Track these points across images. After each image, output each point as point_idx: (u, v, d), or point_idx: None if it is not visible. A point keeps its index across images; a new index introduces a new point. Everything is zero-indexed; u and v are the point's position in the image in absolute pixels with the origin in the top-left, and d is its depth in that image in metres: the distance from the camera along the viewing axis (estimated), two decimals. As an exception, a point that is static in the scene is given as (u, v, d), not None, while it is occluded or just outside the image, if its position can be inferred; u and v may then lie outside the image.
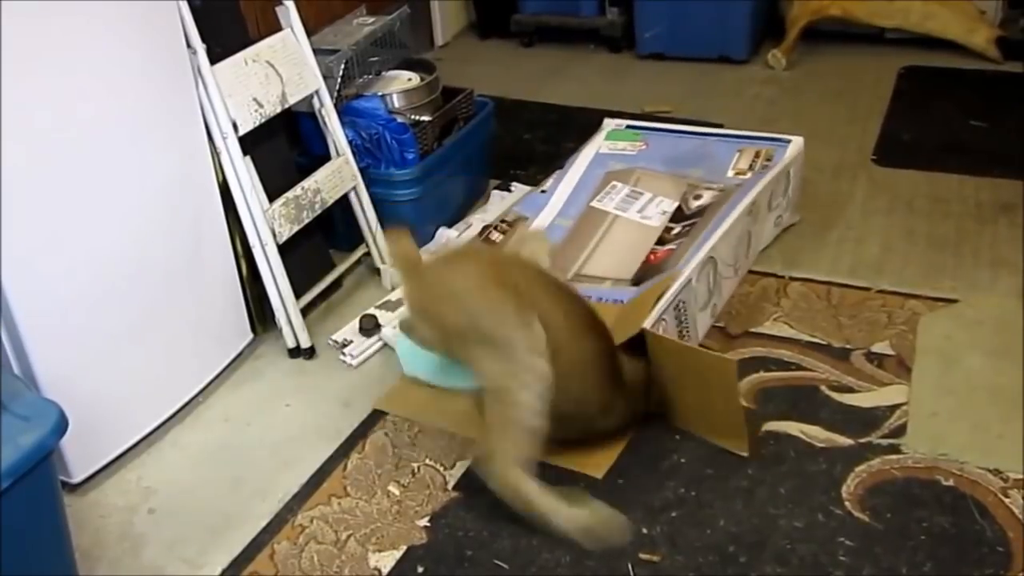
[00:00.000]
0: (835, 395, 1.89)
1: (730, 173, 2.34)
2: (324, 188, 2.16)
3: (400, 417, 1.92)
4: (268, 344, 2.16)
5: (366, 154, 2.30)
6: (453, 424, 1.88)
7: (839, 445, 1.77)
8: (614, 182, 2.37)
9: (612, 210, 2.30)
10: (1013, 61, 3.19)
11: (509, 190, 2.55)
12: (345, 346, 2.07)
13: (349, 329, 2.12)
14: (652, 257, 2.16)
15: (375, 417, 1.93)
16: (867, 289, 2.18)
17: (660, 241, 2.19)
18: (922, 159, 2.70)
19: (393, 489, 1.76)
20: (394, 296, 2.19)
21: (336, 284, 2.29)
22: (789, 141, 2.39)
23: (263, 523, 1.71)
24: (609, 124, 2.58)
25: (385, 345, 2.09)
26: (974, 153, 2.71)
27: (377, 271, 2.31)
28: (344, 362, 2.07)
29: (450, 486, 1.76)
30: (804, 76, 3.27)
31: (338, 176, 2.21)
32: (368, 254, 2.32)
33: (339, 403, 1.98)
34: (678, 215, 2.25)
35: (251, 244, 2.04)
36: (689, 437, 1.81)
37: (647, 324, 1.77)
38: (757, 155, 2.38)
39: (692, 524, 1.64)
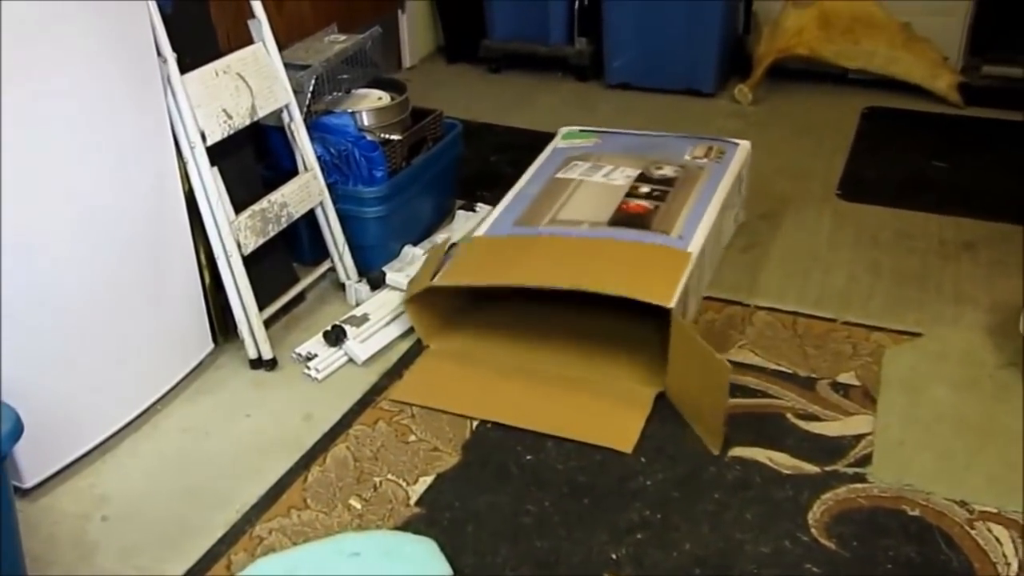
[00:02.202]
0: (801, 423, 1.92)
1: (687, 157, 2.45)
2: (291, 202, 2.15)
3: (418, 406, 1.95)
4: (229, 355, 2.13)
5: (334, 170, 2.30)
6: (472, 408, 1.93)
7: (805, 472, 1.79)
8: (575, 162, 2.45)
9: (577, 177, 2.37)
10: (974, 106, 3.29)
11: (474, 210, 2.57)
12: (310, 359, 2.06)
13: (314, 343, 2.11)
14: (626, 206, 2.22)
15: (337, 430, 1.91)
16: (832, 320, 2.22)
17: (630, 195, 2.28)
18: (886, 195, 2.76)
19: (354, 503, 1.74)
20: (359, 312, 2.19)
21: (299, 298, 2.27)
22: (737, 143, 2.52)
23: (220, 533, 1.68)
24: (564, 129, 2.68)
25: (351, 360, 2.08)
26: (937, 192, 2.78)
27: (342, 286, 2.30)
28: (308, 375, 2.05)
29: (412, 501, 1.74)
30: (769, 112, 3.34)
31: (305, 191, 2.20)
32: (333, 269, 2.31)
33: (300, 415, 1.95)
34: (643, 178, 2.34)
35: (215, 255, 2.02)
36: (656, 460, 1.82)
37: (673, 302, 1.85)
38: (710, 149, 2.50)
39: (658, 546, 1.65)
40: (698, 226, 2.14)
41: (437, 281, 2.05)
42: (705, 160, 2.42)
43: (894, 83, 3.36)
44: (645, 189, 2.29)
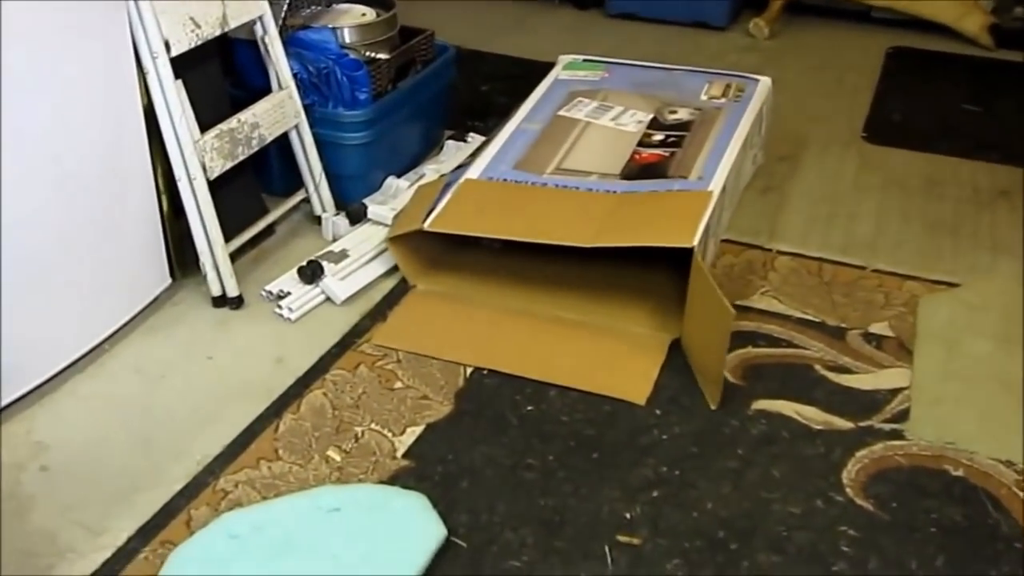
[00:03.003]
0: (831, 375, 1.83)
1: (703, 97, 2.34)
2: (263, 123, 2.02)
3: (405, 352, 1.84)
4: (189, 291, 2.00)
5: (312, 90, 2.17)
6: (465, 354, 1.83)
7: (837, 428, 1.71)
8: (580, 98, 2.34)
9: (583, 118, 2.25)
10: (1005, 49, 3.20)
11: (465, 140, 2.44)
12: (282, 298, 1.93)
13: (286, 279, 1.98)
14: (638, 157, 2.11)
15: (312, 375, 1.79)
16: (862, 268, 2.13)
17: (642, 145, 2.16)
18: (914, 139, 2.68)
19: (333, 455, 1.63)
20: (336, 247, 2.06)
21: (269, 231, 2.15)
22: (757, 79, 2.41)
23: (177, 486, 1.56)
24: (565, 58, 2.55)
25: (328, 299, 1.96)
26: (968, 137, 2.69)
27: (317, 220, 2.17)
28: (279, 315, 1.92)
29: (399, 453, 1.63)
30: (787, 48, 3.24)
31: (279, 111, 2.07)
32: (307, 201, 2.18)
33: (271, 358, 1.83)
34: (656, 125, 2.23)
35: (176, 178, 1.89)
36: (671, 412, 1.73)
37: (695, 241, 1.76)
38: (728, 87, 2.38)
39: (675, 506, 1.56)
40: (718, 166, 2.04)
41: (430, 226, 1.93)
42: (723, 100, 2.31)
43: (919, 23, 3.27)
44: (659, 136, 2.18)
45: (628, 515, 1.54)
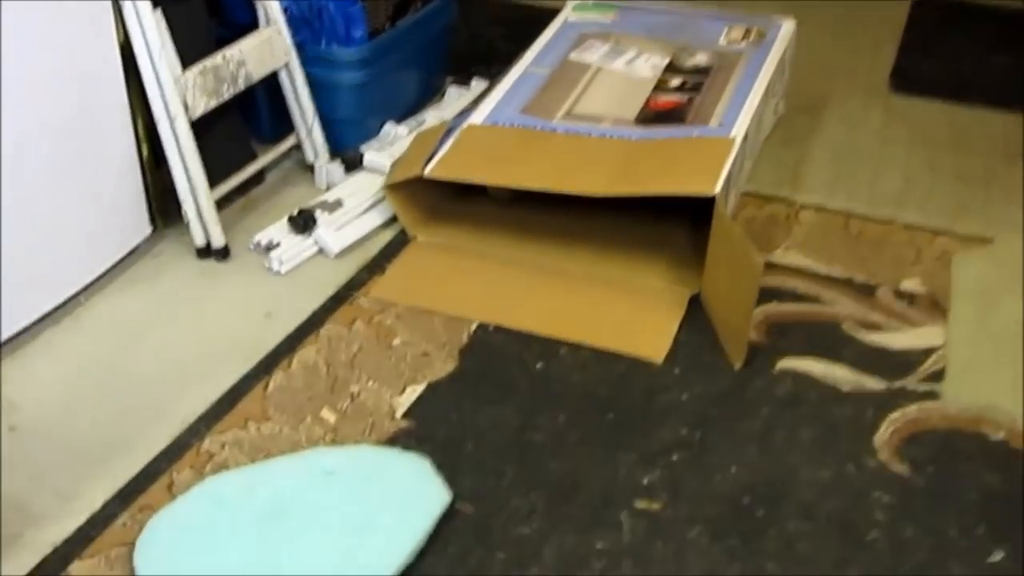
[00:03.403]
0: (861, 333, 1.75)
1: (722, 42, 2.24)
2: (250, 60, 1.92)
3: (405, 306, 1.76)
4: (171, 242, 1.91)
5: (303, 27, 2.06)
6: (469, 308, 1.75)
7: (869, 389, 1.63)
8: (591, 40, 2.24)
9: (594, 62, 2.16)
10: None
11: (468, 86, 2.34)
12: (271, 249, 1.84)
13: (276, 230, 1.89)
14: (654, 103, 2.02)
15: (305, 330, 1.71)
16: (890, 222, 2.05)
17: (658, 90, 2.07)
18: (942, 90, 2.58)
19: (327, 415, 1.54)
20: (330, 196, 1.97)
21: (258, 179, 2.05)
22: (779, 23, 2.31)
23: (158, 448, 1.48)
24: (574, 2, 2.45)
25: (321, 251, 1.87)
26: (998, 89, 2.60)
27: (309, 168, 2.08)
28: (269, 268, 1.83)
29: (398, 414, 1.55)
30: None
31: (268, 48, 1.96)
32: (299, 147, 2.09)
33: (259, 313, 1.75)
34: (672, 69, 2.14)
35: (156, 118, 1.79)
36: (691, 371, 1.64)
37: (718, 189, 1.67)
38: (748, 31, 2.28)
39: (697, 470, 1.48)
40: (740, 113, 1.95)
41: (431, 172, 1.83)
42: (743, 44, 2.21)
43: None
44: (676, 82, 2.08)
45: (646, 480, 1.46)
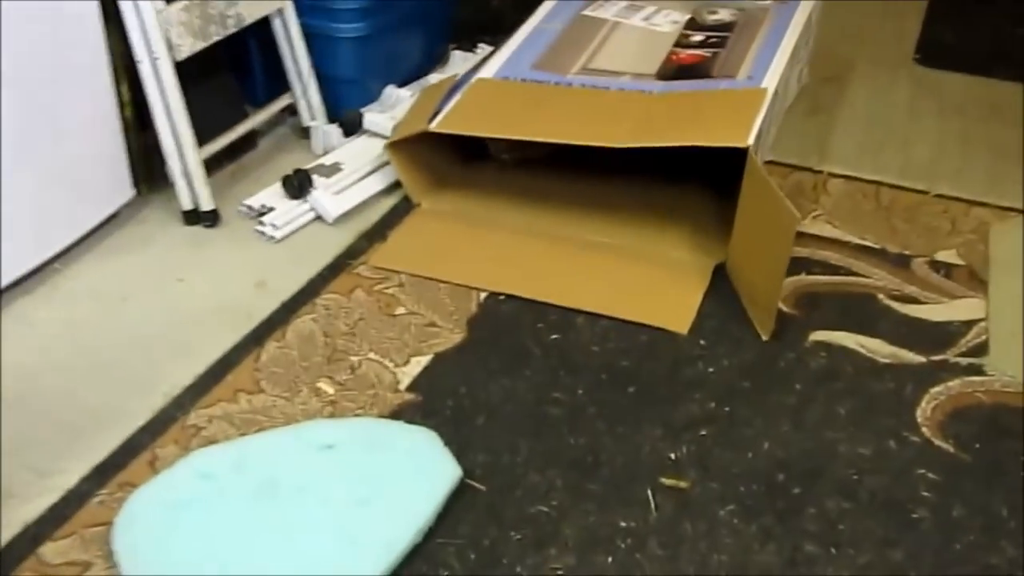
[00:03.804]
0: (897, 305, 1.67)
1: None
2: (241, 0, 1.81)
3: (407, 274, 1.68)
4: (156, 208, 1.82)
5: (300, -33, 1.97)
6: (478, 277, 1.66)
7: (907, 362, 1.55)
8: None
9: (610, 18, 2.07)
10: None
11: (473, 51, 2.26)
12: (264, 214, 1.75)
13: (269, 194, 1.80)
14: (675, 57, 1.93)
15: (300, 299, 1.62)
16: (923, 192, 1.97)
17: (680, 46, 1.99)
18: (971, 63, 2.51)
19: (325, 387, 1.46)
20: (328, 160, 1.88)
21: (250, 143, 1.96)
22: None
23: (140, 422, 1.39)
24: None
25: (318, 217, 1.78)
26: (1026, 63, 2.54)
27: (305, 132, 1.99)
28: (261, 234, 1.75)
29: (403, 386, 1.46)
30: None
31: (260, -11, 1.86)
32: (294, 110, 2.00)
33: (251, 281, 1.66)
34: (694, 26, 2.05)
35: (137, 59, 1.68)
36: (718, 343, 1.56)
37: (751, 140, 1.58)
38: None
39: (727, 446, 1.39)
40: (770, 65, 1.86)
41: (437, 126, 1.75)
42: (768, 1, 2.13)
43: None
44: (698, 38, 2.00)
45: (673, 456, 1.38)
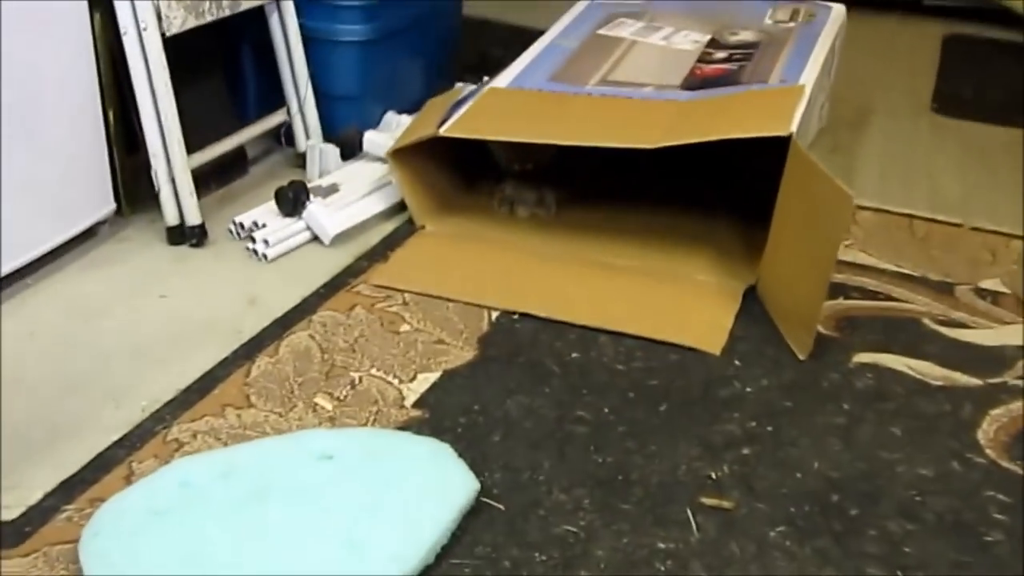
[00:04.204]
0: (944, 330, 1.57)
1: (768, 21, 2.08)
2: (238, -22, 1.72)
3: (412, 292, 1.57)
4: (138, 228, 1.71)
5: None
6: (490, 295, 1.56)
7: (962, 384, 1.44)
8: (621, 18, 2.07)
9: (628, 36, 1.99)
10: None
11: (480, 83, 2.18)
12: (255, 231, 1.64)
13: (262, 211, 1.69)
14: (699, 71, 1.84)
15: (294, 316, 1.50)
16: (958, 225, 1.89)
17: (703, 62, 1.91)
18: (989, 113, 2.48)
19: (323, 402, 1.33)
20: (325, 181, 1.78)
21: (240, 169, 1.87)
22: (830, 6, 2.17)
23: (115, 436, 1.26)
24: None
25: (315, 238, 1.68)
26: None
27: (301, 159, 1.89)
28: (252, 253, 1.64)
29: (409, 403, 1.34)
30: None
31: (259, -29, 1.77)
32: (289, 131, 1.89)
33: (241, 299, 1.54)
34: (716, 45, 1.97)
35: (122, 27, 1.57)
36: (755, 363, 1.45)
37: (793, 128, 1.50)
38: (796, 11, 2.13)
39: (772, 465, 1.27)
40: (804, 69, 1.80)
41: (448, 130, 1.64)
42: (792, 24, 2.07)
43: (975, 11, 3.10)
44: (722, 55, 1.93)
45: (713, 475, 1.25)
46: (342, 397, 1.34)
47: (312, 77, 1.88)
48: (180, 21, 1.63)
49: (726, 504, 1.21)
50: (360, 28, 1.91)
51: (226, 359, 1.40)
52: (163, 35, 1.60)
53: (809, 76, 1.75)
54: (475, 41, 2.65)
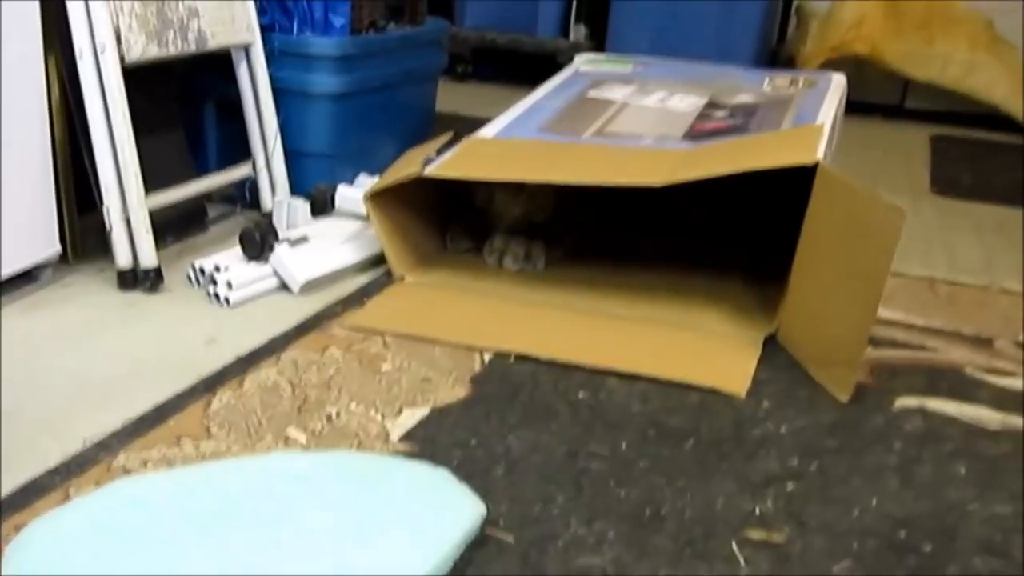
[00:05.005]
0: (991, 378, 1.45)
1: (766, 88, 1.98)
2: (205, 15, 1.64)
3: (394, 334, 1.43)
4: (85, 275, 1.57)
5: (275, 7, 1.81)
6: (482, 337, 1.43)
7: (1022, 428, 1.32)
8: (611, 83, 1.97)
9: (619, 98, 1.88)
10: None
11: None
12: (216, 274, 1.50)
13: (225, 256, 1.54)
14: (700, 127, 1.72)
15: (260, 355, 1.35)
16: (984, 288, 1.80)
17: (703, 119, 1.80)
18: (989, 196, 2.45)
19: (296, 434, 1.17)
20: (293, 234, 1.64)
21: (198, 225, 1.74)
22: (831, 75, 2.10)
23: (50, 464, 1.09)
24: (584, 56, 2.24)
25: (284, 285, 1.54)
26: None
27: (266, 217, 1.76)
28: (215, 296, 1.49)
29: (395, 437, 1.18)
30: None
31: (228, 13, 1.69)
32: (253, 184, 1.78)
33: (199, 339, 1.39)
34: (714, 105, 1.87)
35: (78, 49, 1.46)
36: (786, 405, 1.31)
37: (818, 155, 1.40)
38: (795, 80, 2.05)
39: (824, 501, 1.12)
40: (816, 114, 1.72)
41: (434, 171, 1.54)
42: (792, 89, 2.00)
43: (960, 115, 3.12)
44: (722, 113, 1.84)
45: (756, 509, 1.10)
46: (317, 431, 1.18)
47: (281, 132, 1.78)
48: (140, 48, 1.54)
49: (776, 538, 1.06)
50: (333, 81, 1.83)
51: (182, 393, 1.24)
52: (122, 59, 1.50)
53: (825, 117, 1.68)
54: (450, 124, 2.59)
